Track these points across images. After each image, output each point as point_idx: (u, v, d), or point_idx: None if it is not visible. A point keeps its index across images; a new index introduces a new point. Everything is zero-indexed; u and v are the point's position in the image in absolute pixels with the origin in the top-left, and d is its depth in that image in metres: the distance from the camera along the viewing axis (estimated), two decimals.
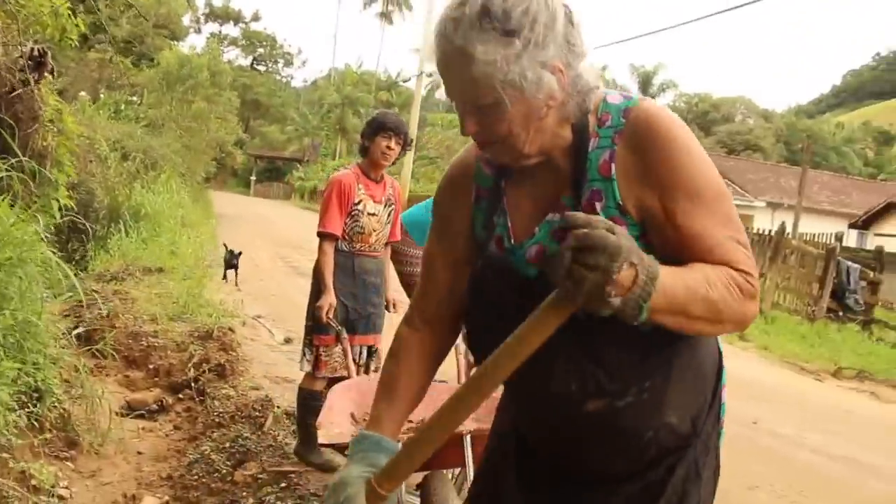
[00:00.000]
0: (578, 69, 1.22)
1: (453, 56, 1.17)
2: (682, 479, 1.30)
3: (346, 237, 3.73)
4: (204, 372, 4.96)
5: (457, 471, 2.83)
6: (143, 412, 4.48)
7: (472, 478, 2.50)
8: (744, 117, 65.47)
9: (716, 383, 1.36)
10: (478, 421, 2.71)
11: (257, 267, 13.09)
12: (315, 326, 3.65)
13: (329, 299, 3.59)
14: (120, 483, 3.51)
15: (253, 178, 53.98)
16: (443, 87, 1.25)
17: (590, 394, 1.25)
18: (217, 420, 4.12)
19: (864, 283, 13.41)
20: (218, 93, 21.86)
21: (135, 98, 21.16)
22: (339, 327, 3.57)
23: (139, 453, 3.94)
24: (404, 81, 48.49)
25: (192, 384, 4.82)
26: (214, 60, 21.89)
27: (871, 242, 26.44)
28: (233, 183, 52.96)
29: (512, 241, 1.33)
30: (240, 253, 10.55)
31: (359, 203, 3.73)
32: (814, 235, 17.25)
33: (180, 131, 18.69)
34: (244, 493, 3.27)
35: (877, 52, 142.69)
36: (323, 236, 3.67)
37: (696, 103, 62.91)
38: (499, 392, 1.44)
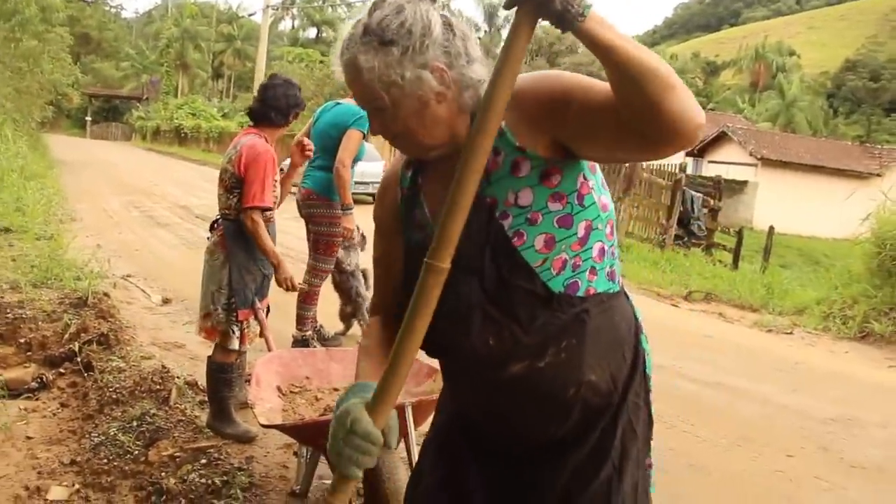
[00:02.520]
0: (463, 67, 1.38)
1: (347, 68, 1.39)
2: (621, 441, 1.44)
3: None
4: (87, 343, 4.70)
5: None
6: (21, 392, 4.20)
7: (414, 447, 2.60)
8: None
9: (635, 346, 1.49)
10: (415, 394, 2.78)
11: (111, 218, 12.36)
12: (240, 302, 3.55)
13: (289, 269, 3.58)
14: (17, 474, 3.29)
15: (88, 118, 50.41)
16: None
17: (508, 351, 1.37)
18: (114, 396, 3.92)
19: (705, 210, 14.47)
20: (49, 29, 19.92)
21: None
22: (256, 299, 3.53)
23: (28, 438, 3.70)
24: (250, 15, 46.33)
25: (75, 357, 4.55)
26: None
27: (706, 169, 28.43)
28: (66, 125, 49.26)
29: (429, 219, 1.48)
30: None
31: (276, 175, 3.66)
32: (659, 165, 18.28)
33: (9, 73, 16.96)
34: (163, 474, 3.13)
35: None
36: (257, 210, 3.51)
37: (542, 35, 64.14)
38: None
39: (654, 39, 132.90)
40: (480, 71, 1.40)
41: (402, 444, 2.77)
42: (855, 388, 5.59)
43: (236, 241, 3.58)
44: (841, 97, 78.81)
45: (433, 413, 1.74)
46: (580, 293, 1.38)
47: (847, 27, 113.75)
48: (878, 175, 25.46)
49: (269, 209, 3.59)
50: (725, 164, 27.70)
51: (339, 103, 5.19)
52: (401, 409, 2.48)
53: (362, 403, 1.32)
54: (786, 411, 4.89)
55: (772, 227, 13.78)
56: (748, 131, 30.93)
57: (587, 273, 1.38)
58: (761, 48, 65.18)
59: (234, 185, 3.58)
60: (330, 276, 5.24)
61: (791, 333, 7.46)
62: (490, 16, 45.92)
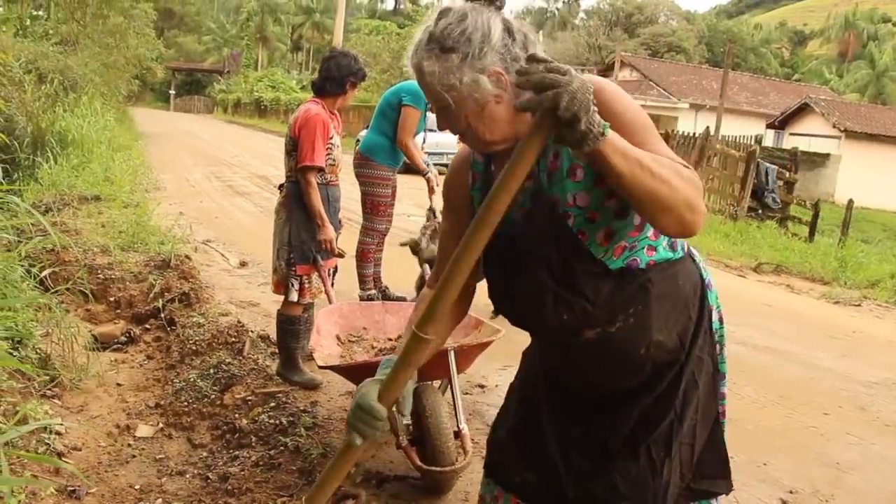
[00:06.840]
0: None
1: (414, 71, 1.51)
2: (684, 391, 1.59)
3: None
4: (170, 301, 5.06)
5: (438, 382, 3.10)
6: (112, 345, 4.58)
7: (457, 388, 2.81)
8: (667, 19, 65.70)
9: (700, 305, 1.62)
10: (457, 338, 2.99)
11: (193, 188, 12.92)
12: (297, 257, 3.82)
13: (331, 232, 3.82)
14: (109, 415, 3.65)
15: (172, 92, 51.98)
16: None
17: (581, 322, 1.52)
18: (194, 348, 4.26)
19: (780, 183, 14.18)
20: (133, 5, 20.77)
21: (40, 13, 19.92)
22: (318, 256, 3.80)
23: (118, 385, 4.07)
24: None
25: (160, 313, 4.92)
26: None
27: (787, 142, 27.54)
28: (151, 98, 50.98)
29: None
30: None
31: (332, 138, 3.94)
32: (735, 137, 17.87)
33: (97, 48, 17.82)
34: (236, 415, 3.46)
35: None
36: (309, 169, 3.79)
37: (621, 6, 62.81)
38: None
39: (738, 9, 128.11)
40: None
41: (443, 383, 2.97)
42: None
43: (297, 201, 3.89)
44: None
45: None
46: (641, 266, 1.52)
47: None
48: None
49: (321, 169, 3.85)
50: (807, 136, 26.78)
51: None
52: (444, 354, 2.69)
53: (377, 382, 1.53)
54: (830, 374, 4.96)
55: (851, 201, 13.37)
56: (832, 103, 29.77)
57: (644, 250, 1.53)
58: (851, 16, 62.25)
59: (292, 148, 3.90)
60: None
61: (859, 306, 7.35)
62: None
